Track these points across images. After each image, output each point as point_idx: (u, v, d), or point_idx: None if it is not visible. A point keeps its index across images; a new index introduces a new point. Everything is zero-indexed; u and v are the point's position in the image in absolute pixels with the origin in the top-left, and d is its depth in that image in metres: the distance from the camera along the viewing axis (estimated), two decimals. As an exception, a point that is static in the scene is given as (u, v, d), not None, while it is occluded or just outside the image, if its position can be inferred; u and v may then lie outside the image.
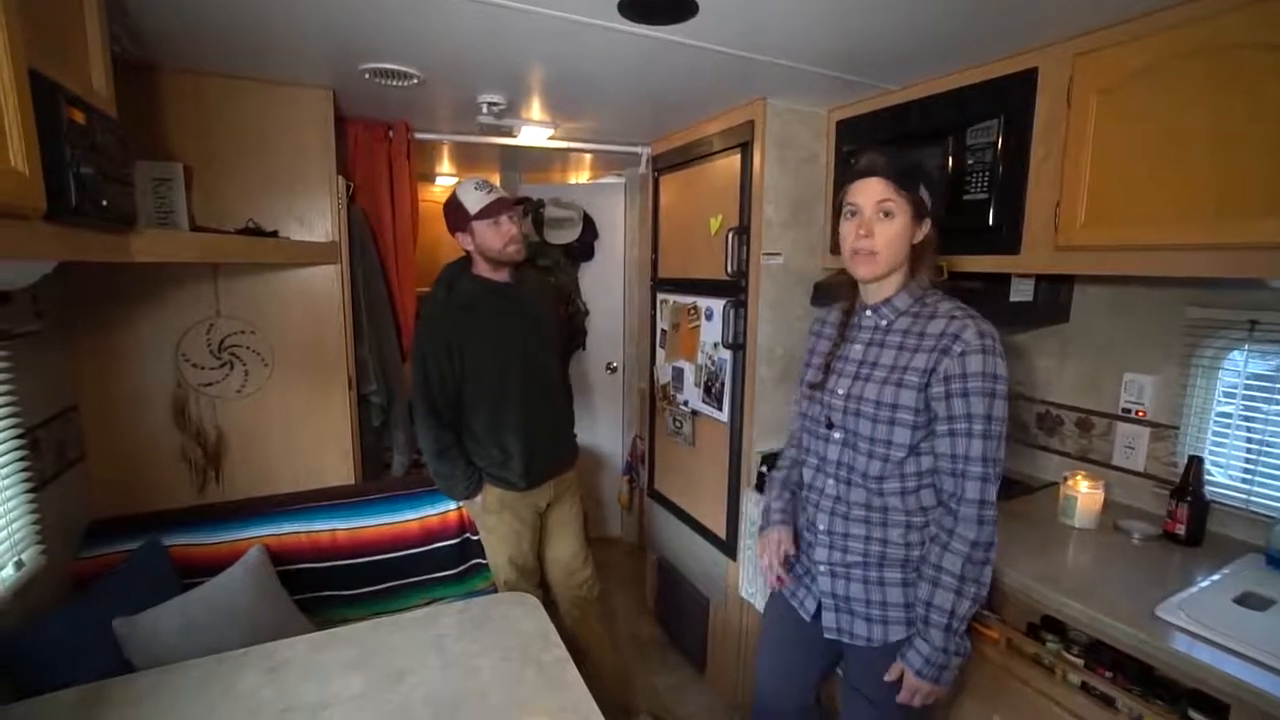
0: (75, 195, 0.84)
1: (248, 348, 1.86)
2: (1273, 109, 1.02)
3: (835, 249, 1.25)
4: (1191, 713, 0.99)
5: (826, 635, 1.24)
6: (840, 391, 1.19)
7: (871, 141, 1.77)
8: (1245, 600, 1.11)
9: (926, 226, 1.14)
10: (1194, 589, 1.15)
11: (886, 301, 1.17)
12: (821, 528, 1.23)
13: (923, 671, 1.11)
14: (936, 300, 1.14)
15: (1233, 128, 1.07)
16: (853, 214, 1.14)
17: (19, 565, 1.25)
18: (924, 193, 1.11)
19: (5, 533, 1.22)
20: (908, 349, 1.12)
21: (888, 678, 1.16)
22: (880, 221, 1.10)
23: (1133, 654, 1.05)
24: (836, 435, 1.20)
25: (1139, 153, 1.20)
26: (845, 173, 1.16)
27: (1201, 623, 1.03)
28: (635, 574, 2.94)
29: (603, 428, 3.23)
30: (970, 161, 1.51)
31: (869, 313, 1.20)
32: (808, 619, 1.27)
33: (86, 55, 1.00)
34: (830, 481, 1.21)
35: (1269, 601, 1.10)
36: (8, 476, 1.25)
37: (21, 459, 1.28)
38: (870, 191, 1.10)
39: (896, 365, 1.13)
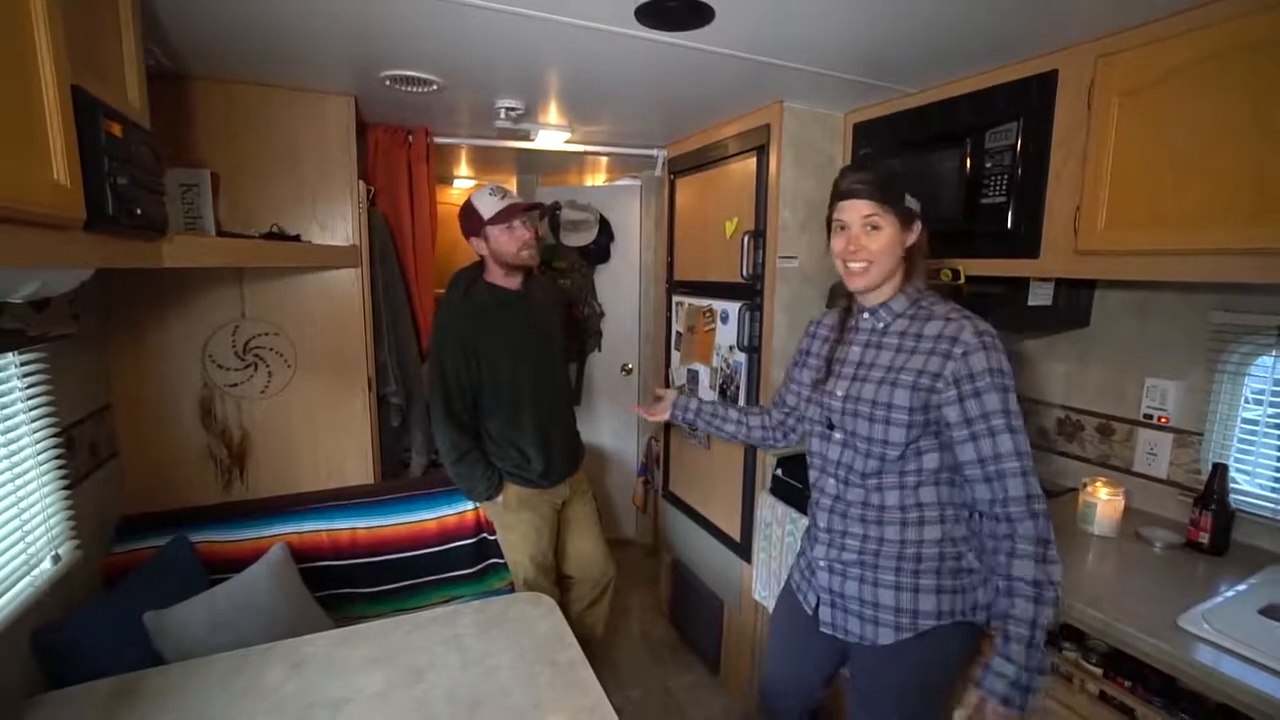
0: (112, 205, 0.87)
1: (271, 349, 1.91)
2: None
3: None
4: (1214, 725, 0.97)
5: (823, 630, 1.26)
6: (839, 393, 1.22)
7: (889, 144, 1.76)
8: (1272, 612, 1.09)
9: (917, 230, 1.15)
10: (1218, 599, 1.13)
11: (884, 304, 1.19)
12: (821, 525, 1.26)
13: (1010, 698, 1.01)
14: (933, 302, 1.16)
15: (1269, 128, 1.04)
16: (841, 229, 1.17)
17: (56, 559, 1.30)
18: (910, 201, 1.13)
19: (44, 528, 1.27)
20: (905, 350, 1.14)
21: (962, 712, 1.09)
22: (868, 234, 1.13)
23: (1154, 665, 1.04)
24: (837, 436, 1.22)
25: (1164, 155, 1.18)
26: (832, 192, 1.19)
27: (1225, 634, 1.01)
28: (649, 575, 2.95)
29: (618, 429, 3.24)
30: (988, 165, 1.49)
31: (866, 315, 1.22)
32: (809, 613, 1.30)
33: (122, 69, 1.03)
34: (831, 481, 1.24)
35: (1295, 613, 1.08)
36: (46, 474, 1.29)
37: (58, 457, 1.33)
38: (856, 209, 1.13)
39: (892, 366, 1.15)
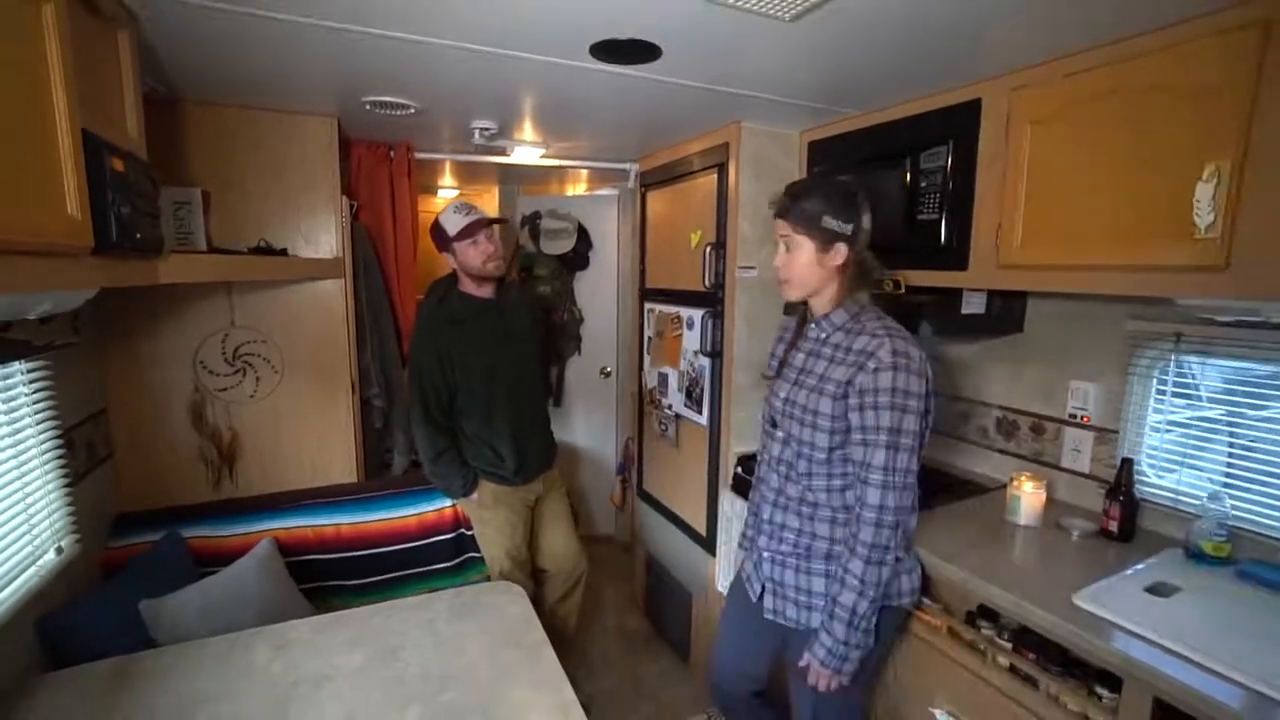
0: (116, 232, 0.98)
1: (259, 355, 2.02)
2: (1168, 145, 1.13)
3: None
4: (1097, 688, 1.10)
5: (765, 616, 1.37)
6: (781, 395, 1.33)
7: (841, 161, 1.89)
8: (1156, 589, 1.22)
9: (842, 251, 1.23)
10: (1112, 578, 1.26)
11: (825, 317, 1.30)
12: (765, 516, 1.37)
13: (826, 662, 1.23)
14: (869, 319, 1.26)
15: (1140, 160, 1.18)
16: (776, 244, 1.31)
17: (59, 551, 1.40)
18: (831, 222, 1.21)
19: (47, 522, 1.38)
20: (836, 361, 1.25)
21: (800, 663, 1.28)
22: (786, 254, 1.27)
23: (1050, 637, 1.17)
24: (779, 434, 1.34)
25: (1066, 180, 1.32)
26: None
27: (1110, 608, 1.14)
28: (626, 570, 3.06)
29: (597, 429, 3.36)
30: (924, 184, 1.62)
31: (813, 325, 1.33)
32: (754, 600, 1.40)
33: (123, 107, 1.14)
34: (774, 476, 1.35)
35: (1175, 589, 1.21)
36: (49, 472, 1.40)
37: (60, 456, 1.43)
38: (778, 227, 1.28)
39: (824, 375, 1.26)
